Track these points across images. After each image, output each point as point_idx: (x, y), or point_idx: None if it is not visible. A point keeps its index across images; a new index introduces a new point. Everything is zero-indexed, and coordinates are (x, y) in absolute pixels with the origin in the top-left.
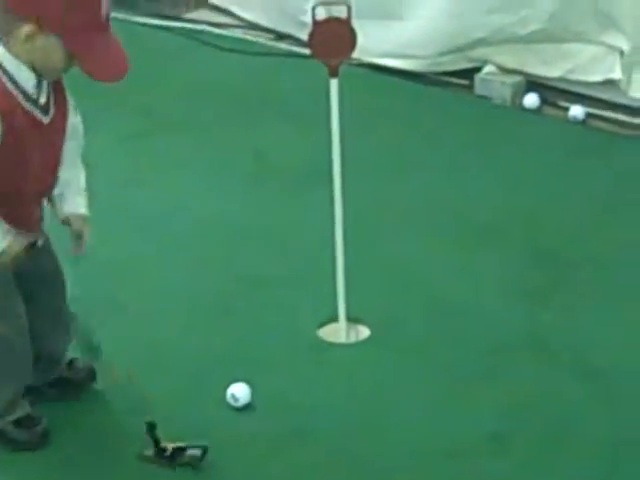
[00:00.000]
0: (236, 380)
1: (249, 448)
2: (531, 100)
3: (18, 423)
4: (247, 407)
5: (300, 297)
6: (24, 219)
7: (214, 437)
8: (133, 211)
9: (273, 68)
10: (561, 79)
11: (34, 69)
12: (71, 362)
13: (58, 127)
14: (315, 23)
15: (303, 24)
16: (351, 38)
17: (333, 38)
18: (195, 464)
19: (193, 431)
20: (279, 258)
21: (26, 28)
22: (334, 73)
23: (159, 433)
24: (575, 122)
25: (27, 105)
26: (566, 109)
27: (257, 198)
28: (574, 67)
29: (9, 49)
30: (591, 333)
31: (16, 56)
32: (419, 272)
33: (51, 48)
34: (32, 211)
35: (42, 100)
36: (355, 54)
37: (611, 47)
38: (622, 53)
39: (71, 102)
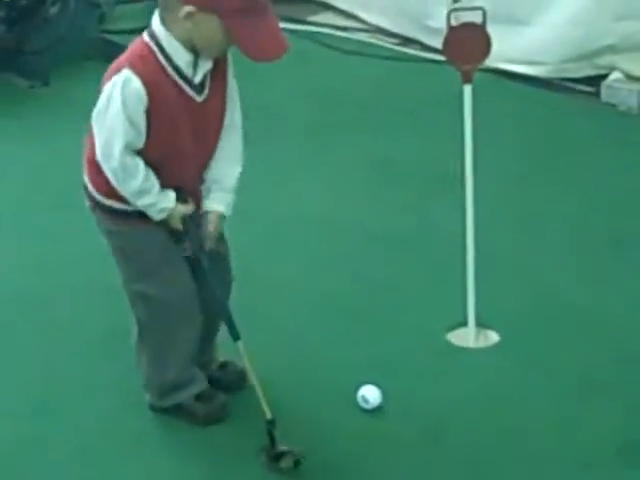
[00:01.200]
0: (366, 382)
1: (380, 450)
2: None
3: (198, 397)
4: (377, 409)
5: (429, 302)
6: (184, 185)
7: (345, 439)
8: (254, 216)
9: (398, 73)
10: None
11: (191, 47)
12: (225, 364)
13: (213, 108)
14: (450, 28)
15: (428, 28)
16: (486, 43)
17: (468, 43)
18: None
19: (324, 433)
20: (408, 263)
21: (187, 7)
22: (468, 79)
23: (277, 433)
24: None
25: (179, 80)
26: None
27: (385, 204)
28: None
29: (167, 27)
30: None
31: (173, 34)
32: (548, 279)
33: (209, 27)
34: (190, 183)
35: (197, 79)
36: None
37: None
38: None
39: (235, 99)
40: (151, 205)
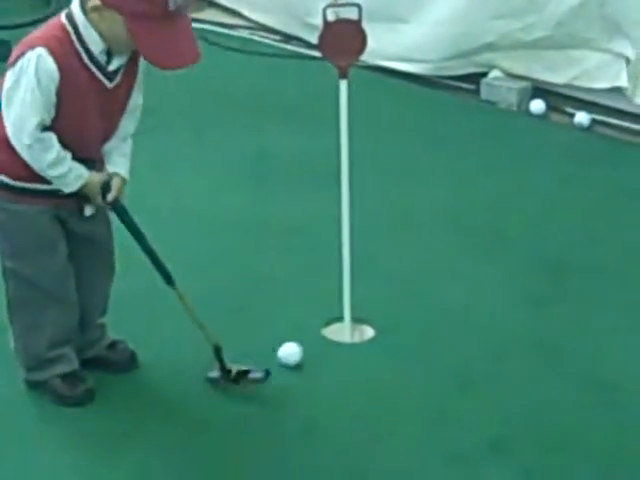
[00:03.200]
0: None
1: (254, 442)
2: (537, 106)
3: (64, 378)
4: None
5: (307, 296)
6: (90, 159)
7: (218, 430)
8: (134, 206)
9: (279, 70)
10: (567, 85)
11: (101, 35)
12: (113, 344)
13: (121, 93)
14: (326, 24)
15: (310, 26)
16: (361, 39)
17: (343, 39)
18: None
19: (199, 424)
20: (286, 258)
21: (94, 1)
22: (344, 74)
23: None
24: (581, 128)
25: (91, 65)
26: (572, 115)
27: (261, 197)
28: (580, 74)
29: (85, 14)
30: (596, 341)
31: (90, 22)
32: (423, 276)
33: (114, 24)
34: (94, 154)
35: (110, 67)
36: (362, 56)
37: (618, 54)
38: (628, 60)
39: (140, 83)
40: (66, 174)
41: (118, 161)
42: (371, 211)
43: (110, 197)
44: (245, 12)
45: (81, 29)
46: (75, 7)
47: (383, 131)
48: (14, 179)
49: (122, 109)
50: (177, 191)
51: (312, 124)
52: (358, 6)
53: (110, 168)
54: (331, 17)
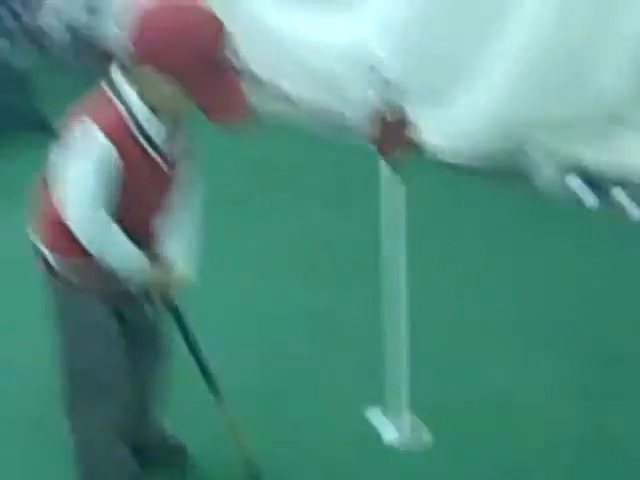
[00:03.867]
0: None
1: None
2: (579, 184)
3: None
4: None
5: (352, 384)
6: (144, 240)
7: None
8: None
9: (317, 145)
10: (610, 164)
11: (153, 109)
12: (166, 438)
13: (176, 174)
14: (375, 115)
15: (348, 101)
16: (410, 131)
17: (392, 130)
18: None
19: None
20: (329, 344)
21: (149, 71)
22: (389, 159)
23: None
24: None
25: (140, 138)
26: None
27: (307, 283)
28: (624, 154)
29: (133, 87)
30: None
31: (138, 94)
32: (472, 367)
33: (168, 88)
34: (150, 232)
35: (164, 146)
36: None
37: None
38: None
39: (191, 157)
40: (124, 258)
41: (176, 247)
42: (417, 300)
43: (169, 292)
44: (280, 84)
45: (126, 99)
46: (117, 76)
47: (422, 215)
48: (69, 257)
49: (174, 186)
50: (219, 273)
51: (352, 206)
52: (407, 97)
53: (167, 253)
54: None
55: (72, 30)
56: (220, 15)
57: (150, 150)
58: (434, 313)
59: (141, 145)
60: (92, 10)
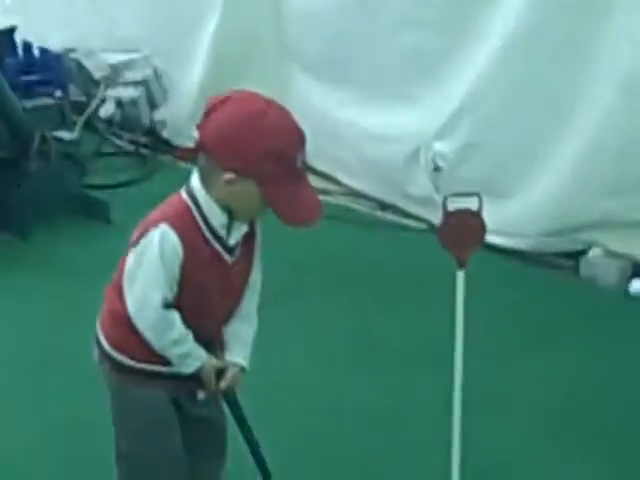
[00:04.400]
0: None
1: None
2: (637, 286)
3: None
4: None
5: None
6: (207, 336)
7: None
8: None
9: (376, 239)
10: None
11: (228, 210)
12: None
13: (241, 269)
14: (446, 214)
15: (408, 195)
16: (482, 230)
17: (463, 230)
18: None
19: None
20: (388, 443)
21: (226, 175)
22: (462, 265)
23: None
24: None
25: (213, 241)
26: None
27: (362, 376)
28: None
29: (207, 189)
30: None
31: (212, 196)
32: (525, 466)
33: (247, 192)
34: (215, 335)
35: (230, 241)
36: None
37: None
38: None
39: (259, 259)
40: (187, 354)
41: (238, 349)
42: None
43: (223, 385)
44: (340, 177)
45: (203, 204)
46: (195, 182)
47: (479, 307)
48: (131, 359)
49: (243, 286)
50: (271, 367)
51: (413, 299)
52: (478, 195)
53: (229, 356)
54: (453, 206)
55: (132, 119)
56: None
57: (217, 246)
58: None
59: (209, 241)
60: (153, 104)
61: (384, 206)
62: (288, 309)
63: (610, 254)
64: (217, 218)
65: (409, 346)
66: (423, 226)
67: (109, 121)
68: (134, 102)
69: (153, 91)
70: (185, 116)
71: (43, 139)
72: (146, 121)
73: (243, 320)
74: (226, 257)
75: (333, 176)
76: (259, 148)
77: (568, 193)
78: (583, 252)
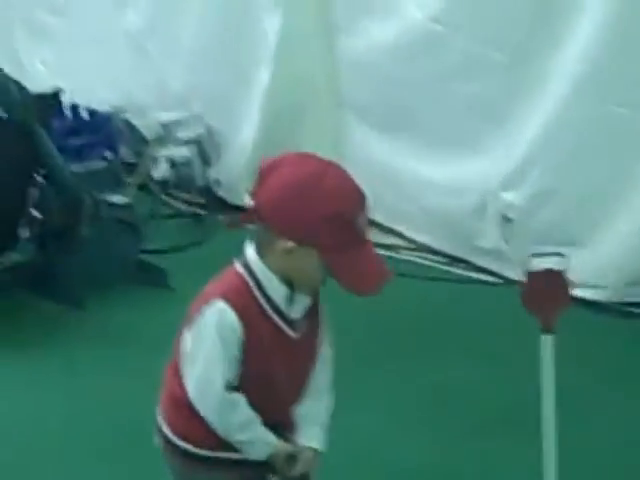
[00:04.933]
0: None
1: None
2: None
3: None
4: None
5: None
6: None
7: None
8: None
9: (447, 294)
10: None
11: (287, 281)
12: None
13: (308, 345)
14: (530, 275)
15: (477, 248)
16: (568, 291)
17: (549, 291)
18: None
19: None
20: None
21: (286, 244)
22: (549, 329)
23: None
24: None
25: (274, 316)
26: None
27: (437, 439)
28: None
29: (265, 260)
30: None
31: (270, 267)
32: None
33: (308, 261)
34: (285, 417)
35: (293, 315)
36: None
37: None
38: None
39: (327, 331)
40: (254, 439)
41: (310, 430)
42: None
43: (296, 471)
44: (405, 232)
45: (260, 277)
46: (251, 254)
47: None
48: (196, 447)
49: (311, 362)
50: (346, 429)
51: (487, 356)
52: (564, 256)
53: (301, 439)
54: (537, 266)
55: (186, 178)
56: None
57: (279, 321)
58: None
59: (269, 317)
60: (206, 163)
61: (453, 260)
62: (362, 370)
63: None
64: (277, 291)
65: (487, 405)
66: (495, 280)
67: (163, 182)
68: (188, 162)
69: (206, 149)
70: (240, 173)
71: (95, 204)
72: (200, 181)
73: (314, 398)
74: (290, 332)
75: (397, 230)
76: (318, 214)
77: None
78: None
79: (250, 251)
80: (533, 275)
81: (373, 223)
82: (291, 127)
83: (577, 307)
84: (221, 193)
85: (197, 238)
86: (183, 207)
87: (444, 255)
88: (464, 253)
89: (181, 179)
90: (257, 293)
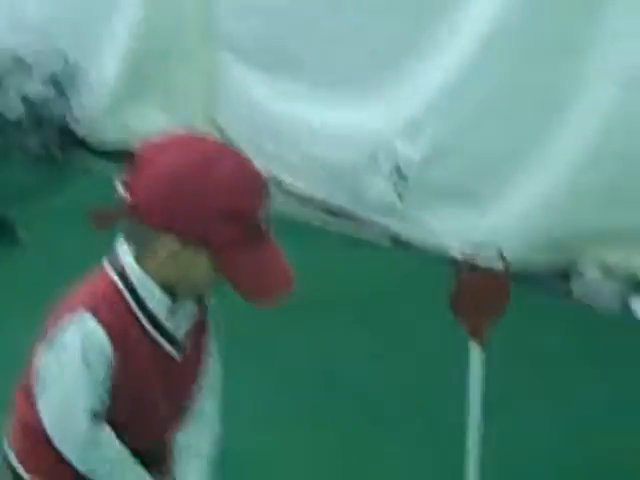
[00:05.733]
0: None
1: None
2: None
3: None
4: None
5: None
6: (147, 449)
7: None
8: None
9: (330, 253)
10: None
11: (169, 290)
12: None
13: (191, 365)
14: (460, 278)
15: (366, 203)
16: (506, 296)
17: (482, 296)
18: None
19: None
20: None
21: (170, 245)
22: (480, 340)
23: None
24: None
25: (154, 334)
26: None
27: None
28: None
29: (143, 265)
30: None
31: (150, 274)
32: None
33: (195, 264)
34: (155, 443)
35: (178, 331)
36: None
37: None
38: None
39: (215, 349)
40: (122, 478)
41: (191, 465)
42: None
43: None
44: (285, 181)
45: (138, 286)
46: (125, 257)
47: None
48: None
49: (192, 387)
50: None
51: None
52: (499, 250)
53: (182, 474)
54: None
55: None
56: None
57: (161, 340)
58: None
59: (148, 335)
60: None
61: (336, 214)
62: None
63: (607, 270)
64: (159, 303)
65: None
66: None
67: (16, 122)
68: (44, 99)
69: (64, 85)
70: (102, 112)
71: None
72: (58, 120)
73: (198, 425)
74: (173, 353)
75: (275, 178)
76: (209, 208)
77: (558, 202)
78: (575, 269)
79: (124, 253)
80: (466, 278)
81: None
82: (159, 63)
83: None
84: (81, 133)
85: (53, 184)
86: (38, 149)
87: (328, 209)
88: (351, 207)
89: (36, 118)
90: (134, 306)
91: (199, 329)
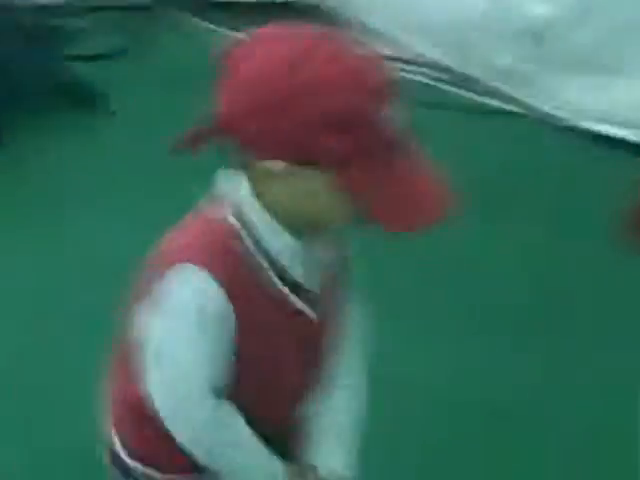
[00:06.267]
0: None
1: None
2: None
3: None
4: None
5: None
6: (277, 432)
7: None
8: None
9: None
10: None
11: (296, 229)
12: None
13: (327, 322)
14: None
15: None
16: None
17: None
18: None
19: None
20: None
21: (275, 165)
22: None
23: None
24: None
25: (280, 285)
26: None
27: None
28: None
29: (260, 198)
30: None
31: (268, 209)
32: None
33: (312, 191)
34: (288, 423)
35: (311, 282)
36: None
37: None
38: None
39: (356, 300)
40: (249, 466)
41: (332, 447)
42: None
43: None
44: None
45: (260, 227)
46: (238, 193)
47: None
48: (163, 472)
49: (327, 338)
50: None
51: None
52: None
53: (320, 459)
54: None
55: None
56: None
57: (287, 291)
58: None
59: (272, 283)
60: None
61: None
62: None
63: None
64: (285, 246)
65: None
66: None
67: None
68: None
69: None
70: None
71: None
72: None
73: (340, 397)
74: (305, 309)
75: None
76: (312, 113)
77: None
78: None
79: (234, 187)
80: None
81: (368, 29)
82: None
83: (607, 146)
84: None
85: (143, 40)
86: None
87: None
88: (477, 73)
89: None
90: (255, 252)
91: (336, 282)
